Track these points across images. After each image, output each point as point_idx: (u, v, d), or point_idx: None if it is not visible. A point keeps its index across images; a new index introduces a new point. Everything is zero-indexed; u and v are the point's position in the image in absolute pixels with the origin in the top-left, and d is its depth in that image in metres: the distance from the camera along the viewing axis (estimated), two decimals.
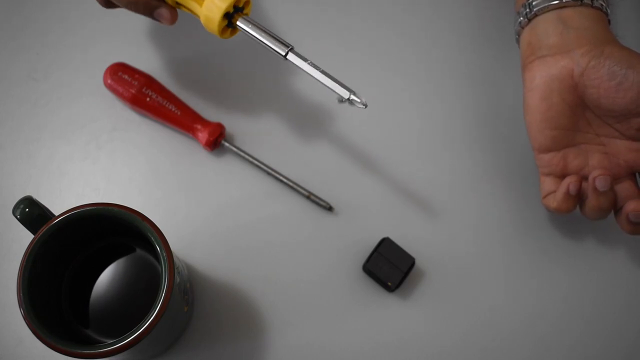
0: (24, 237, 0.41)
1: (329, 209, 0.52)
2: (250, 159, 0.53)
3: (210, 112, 0.55)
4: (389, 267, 0.49)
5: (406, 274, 0.49)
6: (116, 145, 0.55)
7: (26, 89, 0.56)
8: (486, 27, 0.58)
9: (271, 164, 0.53)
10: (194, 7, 0.46)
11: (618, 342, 0.50)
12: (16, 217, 0.42)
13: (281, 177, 0.53)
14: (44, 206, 0.42)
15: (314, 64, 0.44)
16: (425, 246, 0.52)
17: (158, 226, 0.41)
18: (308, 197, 0.52)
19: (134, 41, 0.57)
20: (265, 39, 0.45)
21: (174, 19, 0.47)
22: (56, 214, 0.41)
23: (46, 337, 0.38)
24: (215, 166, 0.54)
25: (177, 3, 0.47)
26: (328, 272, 0.51)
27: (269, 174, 0.53)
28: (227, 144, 0.54)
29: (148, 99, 0.53)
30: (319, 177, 0.53)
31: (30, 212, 0.41)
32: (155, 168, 0.54)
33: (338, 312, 0.50)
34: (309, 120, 0.55)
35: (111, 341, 0.38)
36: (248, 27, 0.45)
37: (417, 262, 0.51)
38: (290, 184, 0.53)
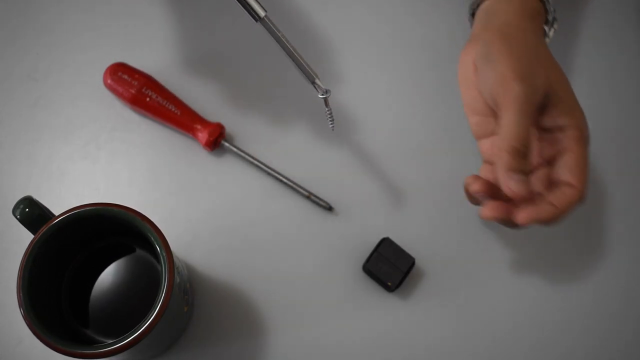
0: (24, 237, 0.41)
1: (329, 209, 0.52)
2: (250, 159, 0.53)
3: (210, 112, 0.55)
4: (389, 267, 0.49)
5: (406, 274, 0.49)
6: (116, 145, 0.55)
7: (26, 89, 0.56)
8: None
9: (271, 164, 0.53)
10: None
11: (617, 343, 0.50)
12: (16, 217, 0.42)
13: (281, 177, 0.53)
14: (44, 206, 0.42)
15: (286, 38, 0.44)
16: (425, 246, 0.52)
17: (158, 226, 0.41)
18: (308, 197, 0.52)
19: (134, 41, 0.57)
20: None
21: None
22: (56, 214, 0.41)
23: (46, 337, 0.38)
24: (215, 166, 0.54)
25: None
26: (328, 272, 0.51)
27: (268, 174, 0.53)
28: (227, 144, 0.53)
29: (148, 99, 0.53)
30: (319, 177, 0.53)
31: (30, 212, 0.41)
32: (155, 168, 0.54)
33: (338, 312, 0.50)
34: (309, 120, 0.55)
35: (111, 341, 0.38)
36: None
37: (417, 262, 0.51)
38: (290, 184, 0.52)
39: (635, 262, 0.52)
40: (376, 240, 0.51)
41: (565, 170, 0.43)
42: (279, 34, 0.43)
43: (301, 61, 0.44)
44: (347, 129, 0.55)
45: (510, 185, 0.41)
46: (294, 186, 0.53)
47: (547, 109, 0.43)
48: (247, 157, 0.53)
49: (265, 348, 0.49)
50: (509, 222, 0.43)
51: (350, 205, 0.53)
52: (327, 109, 0.47)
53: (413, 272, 0.51)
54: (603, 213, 0.53)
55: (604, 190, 0.54)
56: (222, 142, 0.54)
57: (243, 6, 0.42)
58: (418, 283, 0.51)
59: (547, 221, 0.42)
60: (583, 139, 0.43)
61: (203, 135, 0.53)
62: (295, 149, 0.54)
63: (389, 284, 0.49)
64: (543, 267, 0.52)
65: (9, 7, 0.58)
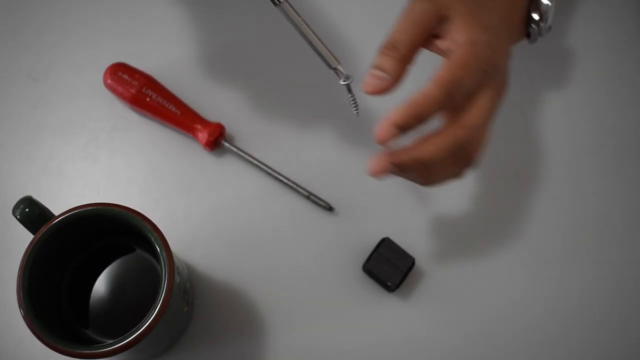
0: (24, 237, 0.41)
1: (329, 209, 0.52)
2: (250, 158, 0.53)
3: (210, 112, 0.55)
4: (389, 267, 0.49)
5: (406, 274, 0.49)
6: (116, 145, 0.55)
7: (26, 89, 0.56)
8: None
9: (271, 164, 0.53)
10: None
11: (621, 343, 0.50)
12: (16, 217, 0.42)
13: (281, 177, 0.53)
14: (44, 206, 0.42)
15: (306, 23, 0.43)
16: (425, 246, 0.52)
17: (158, 226, 0.41)
18: (308, 197, 0.52)
19: (134, 41, 0.57)
20: None
21: None
22: (56, 214, 0.41)
23: (46, 337, 0.38)
24: (215, 166, 0.54)
25: None
26: (328, 272, 0.51)
27: (268, 174, 0.53)
28: (227, 144, 0.53)
29: (148, 99, 0.53)
30: (319, 177, 0.53)
31: (30, 212, 0.41)
32: (155, 168, 0.54)
33: (338, 312, 0.50)
34: (309, 120, 0.55)
35: (111, 341, 0.38)
36: None
37: (417, 262, 0.51)
38: (290, 184, 0.53)
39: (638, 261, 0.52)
40: (376, 240, 0.51)
41: (435, 74, 0.40)
42: (300, 18, 0.43)
43: (323, 47, 0.43)
44: (348, 128, 0.55)
45: (366, 80, 0.40)
46: (294, 186, 0.52)
47: (447, 33, 0.42)
48: (247, 157, 0.53)
49: (265, 348, 0.49)
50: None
51: (350, 205, 0.53)
52: (350, 96, 0.45)
53: (413, 272, 0.51)
54: (605, 212, 0.53)
55: (610, 193, 0.54)
56: (222, 142, 0.53)
57: None
58: (418, 283, 0.51)
59: (402, 119, 0.39)
60: (469, 51, 0.40)
61: (203, 135, 0.53)
62: (296, 149, 0.54)
63: (389, 284, 0.49)
64: (543, 267, 0.52)
65: (8, 6, 0.58)
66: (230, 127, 0.55)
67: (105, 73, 0.54)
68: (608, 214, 0.53)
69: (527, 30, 0.46)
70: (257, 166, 0.53)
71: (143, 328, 0.38)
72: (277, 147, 0.54)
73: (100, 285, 0.46)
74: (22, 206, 0.42)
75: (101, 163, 0.54)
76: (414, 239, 0.52)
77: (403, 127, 0.39)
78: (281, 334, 0.50)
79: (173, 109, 0.53)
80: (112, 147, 0.54)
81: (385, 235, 0.51)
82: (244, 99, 0.56)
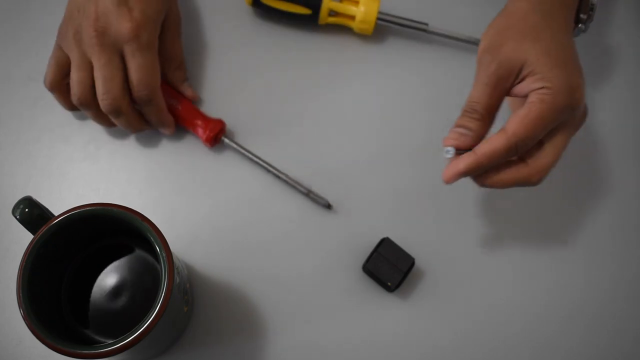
0: (24, 237, 0.41)
1: (328, 206, 0.52)
2: (250, 155, 0.53)
3: (210, 109, 0.55)
4: (389, 267, 0.49)
5: (406, 274, 0.49)
6: (116, 145, 0.55)
7: (26, 89, 0.56)
8: None
9: (271, 161, 0.53)
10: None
11: (620, 342, 0.50)
12: (16, 217, 0.42)
13: (280, 174, 0.53)
14: (43, 206, 0.42)
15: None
16: (425, 246, 0.52)
17: (158, 226, 0.41)
18: (307, 195, 0.52)
19: None
20: None
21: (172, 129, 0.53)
22: (56, 214, 0.41)
23: (46, 337, 0.38)
24: (215, 166, 0.54)
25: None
26: (328, 272, 0.51)
27: (268, 171, 0.53)
28: (227, 140, 0.53)
29: None
30: (319, 177, 0.53)
31: (30, 212, 0.41)
32: (154, 168, 0.54)
33: (338, 312, 0.50)
34: (310, 119, 0.55)
35: (111, 341, 0.38)
36: None
37: (417, 262, 0.51)
38: (290, 181, 0.52)
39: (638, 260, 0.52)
40: (376, 240, 0.51)
41: (508, 121, 0.42)
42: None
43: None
44: (348, 128, 0.55)
45: (448, 136, 0.44)
46: (293, 183, 0.52)
47: (524, 78, 0.43)
48: (246, 153, 0.53)
49: (265, 348, 0.49)
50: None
51: (350, 204, 0.53)
52: None
53: (413, 272, 0.51)
54: (607, 212, 0.53)
55: (618, 193, 0.54)
56: (223, 138, 0.53)
57: None
58: (418, 283, 0.51)
59: (466, 168, 0.43)
60: (547, 100, 0.41)
61: (203, 131, 0.53)
62: (296, 148, 0.54)
63: (389, 284, 0.49)
64: (543, 267, 0.52)
65: (8, 7, 0.58)
66: (230, 124, 0.55)
67: None
68: (613, 214, 0.53)
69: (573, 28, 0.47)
70: (256, 163, 0.53)
71: (143, 328, 0.38)
72: (278, 145, 0.54)
73: (100, 285, 0.46)
74: (22, 206, 0.42)
75: (101, 163, 0.54)
76: (414, 239, 0.52)
77: (467, 174, 0.44)
78: (281, 334, 0.50)
79: (174, 103, 0.53)
80: (112, 148, 0.54)
81: (385, 235, 0.51)
82: (244, 96, 0.56)
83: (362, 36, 0.58)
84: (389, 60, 0.58)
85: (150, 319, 0.38)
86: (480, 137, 0.44)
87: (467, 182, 0.53)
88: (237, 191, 0.53)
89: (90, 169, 0.54)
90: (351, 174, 0.54)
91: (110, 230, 0.45)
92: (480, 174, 0.44)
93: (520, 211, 0.53)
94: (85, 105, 0.50)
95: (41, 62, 0.57)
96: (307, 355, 0.49)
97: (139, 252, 0.47)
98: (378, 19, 0.56)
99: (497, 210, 0.53)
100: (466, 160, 0.43)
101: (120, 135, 0.55)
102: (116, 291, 0.46)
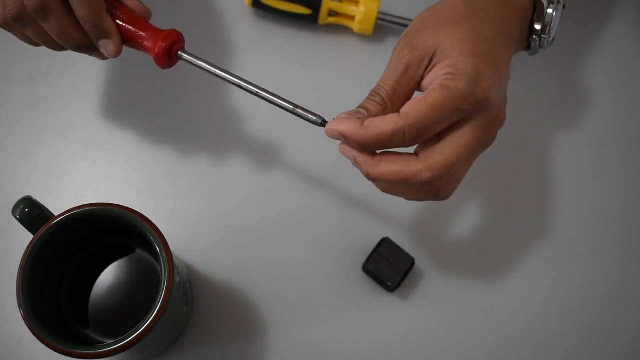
0: (24, 237, 0.41)
1: (321, 124, 0.41)
2: (217, 70, 0.43)
3: (211, 108, 0.55)
4: (389, 267, 0.49)
5: (406, 274, 0.49)
6: (116, 145, 0.55)
7: (26, 89, 0.56)
8: None
9: (271, 161, 0.53)
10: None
11: (620, 342, 0.50)
12: (16, 217, 0.42)
13: (261, 92, 0.42)
14: (43, 206, 0.42)
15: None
16: (425, 246, 0.52)
17: (157, 226, 0.41)
18: (293, 112, 0.42)
19: None
20: None
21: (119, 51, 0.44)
22: (56, 214, 0.41)
23: (46, 337, 0.38)
24: (215, 165, 0.54)
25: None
26: (328, 272, 0.51)
27: (242, 88, 0.43)
28: (185, 56, 0.43)
29: None
30: (319, 176, 0.53)
31: (30, 212, 0.41)
32: (154, 168, 0.54)
33: (338, 312, 0.50)
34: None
35: (111, 341, 0.38)
36: None
37: (417, 262, 0.51)
38: (271, 97, 0.42)
39: (638, 259, 0.52)
40: (376, 240, 0.51)
41: (404, 105, 0.38)
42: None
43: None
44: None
45: (345, 112, 0.39)
46: (276, 99, 0.42)
47: (434, 65, 0.39)
48: (211, 68, 0.43)
49: (265, 348, 0.49)
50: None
51: (351, 205, 0.53)
52: None
53: (413, 272, 0.51)
54: (608, 213, 0.53)
55: (613, 193, 0.54)
56: (180, 53, 0.43)
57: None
58: (418, 283, 0.51)
59: (345, 131, 0.38)
60: (449, 85, 0.37)
61: (154, 43, 0.42)
62: (296, 148, 0.54)
63: (389, 284, 0.49)
64: (543, 266, 0.52)
65: None
66: (231, 124, 0.55)
67: None
68: (613, 214, 0.53)
69: (528, 41, 0.44)
70: (231, 82, 0.43)
71: (143, 328, 0.38)
72: (276, 143, 0.54)
73: (100, 285, 0.46)
74: (22, 206, 0.42)
75: (101, 163, 0.54)
76: (414, 239, 0.52)
77: (345, 139, 0.38)
78: (281, 334, 0.50)
79: (115, 12, 0.43)
80: (112, 147, 0.54)
81: (385, 235, 0.51)
82: (245, 96, 0.56)
83: (362, 36, 0.58)
84: (389, 60, 0.57)
85: (150, 319, 0.38)
86: None
87: (468, 182, 0.53)
88: (237, 194, 0.53)
89: (90, 169, 0.54)
90: (351, 174, 0.54)
91: (110, 230, 0.45)
92: (362, 154, 0.39)
93: (520, 211, 0.53)
94: (21, 19, 0.43)
95: (41, 62, 0.57)
96: (307, 355, 0.49)
97: (139, 252, 0.47)
98: (378, 19, 0.56)
99: (497, 210, 0.53)
100: (349, 123, 0.38)
101: (120, 135, 0.55)
102: (116, 291, 0.46)
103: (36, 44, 0.46)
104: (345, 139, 0.38)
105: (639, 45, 0.58)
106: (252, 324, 0.50)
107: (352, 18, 0.56)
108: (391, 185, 0.40)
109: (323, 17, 0.56)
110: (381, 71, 0.58)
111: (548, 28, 0.44)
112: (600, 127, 0.56)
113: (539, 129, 0.55)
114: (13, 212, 0.42)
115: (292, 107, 0.42)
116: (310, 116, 0.41)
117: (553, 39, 0.45)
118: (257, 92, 0.42)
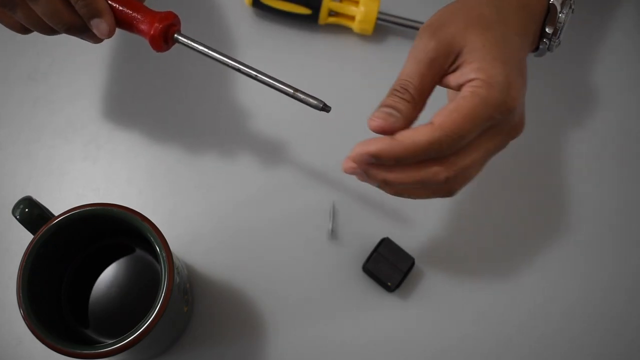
0: (24, 237, 0.41)
1: (323, 108, 0.41)
2: (214, 53, 0.42)
3: (210, 108, 0.55)
4: (389, 267, 0.49)
5: (406, 274, 0.49)
6: (116, 145, 0.55)
7: (26, 89, 0.56)
8: None
9: (270, 162, 0.53)
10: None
11: (618, 341, 0.50)
12: (16, 217, 0.42)
13: (261, 76, 0.41)
14: (43, 206, 0.42)
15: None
16: (425, 246, 0.52)
17: (157, 226, 0.41)
18: (293, 96, 0.41)
19: (134, 38, 0.57)
20: None
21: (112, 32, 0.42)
22: (56, 214, 0.41)
23: (46, 337, 0.38)
24: (215, 165, 0.54)
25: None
26: (328, 272, 0.51)
27: (240, 71, 0.42)
28: (181, 38, 0.42)
29: None
30: (319, 176, 0.53)
31: (30, 212, 0.41)
32: (155, 168, 0.54)
33: (338, 312, 0.50)
34: (309, 118, 0.55)
35: (111, 341, 0.38)
36: None
37: (417, 262, 0.51)
38: (271, 81, 0.41)
39: (637, 259, 0.52)
40: (376, 240, 0.51)
41: (436, 114, 0.36)
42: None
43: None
44: (348, 128, 0.55)
45: (374, 115, 0.37)
46: (276, 83, 0.41)
47: (459, 66, 0.38)
48: (208, 51, 0.42)
49: (265, 348, 0.49)
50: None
51: (350, 205, 0.53)
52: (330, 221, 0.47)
53: (413, 272, 0.51)
54: (608, 215, 0.53)
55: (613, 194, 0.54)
56: (176, 35, 0.42)
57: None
58: (418, 283, 0.51)
59: (377, 151, 0.36)
60: (481, 94, 0.36)
61: (149, 26, 0.41)
62: (295, 148, 0.54)
63: (389, 284, 0.49)
64: (543, 266, 0.52)
65: None
66: (232, 125, 0.54)
67: None
68: (611, 216, 0.53)
69: (538, 43, 0.44)
70: (229, 65, 0.42)
71: (143, 328, 0.38)
72: (276, 143, 0.54)
73: (100, 285, 0.46)
74: (22, 206, 0.42)
75: (101, 163, 0.54)
76: (414, 239, 0.52)
77: (376, 159, 0.37)
78: (281, 334, 0.50)
79: None
80: (112, 147, 0.54)
81: (385, 235, 0.51)
82: (245, 96, 0.56)
83: (362, 36, 0.58)
84: (389, 60, 0.57)
85: (150, 319, 0.38)
86: (409, 123, 0.37)
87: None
88: (237, 194, 0.53)
89: (90, 169, 0.54)
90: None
91: (110, 230, 0.45)
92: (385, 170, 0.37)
93: (520, 211, 0.53)
94: (9, 1, 0.41)
95: (41, 62, 0.57)
96: (307, 355, 0.49)
97: (139, 252, 0.47)
98: (378, 19, 0.56)
99: (497, 209, 0.53)
100: (381, 143, 0.36)
101: (121, 135, 0.55)
102: (116, 291, 0.46)
103: (26, 30, 0.44)
104: (377, 159, 0.37)
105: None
106: (252, 324, 0.50)
107: (352, 18, 0.56)
108: (405, 188, 0.39)
109: (323, 17, 0.56)
110: (381, 71, 0.59)
111: (559, 31, 0.43)
112: (604, 126, 0.56)
113: (539, 130, 0.55)
114: (13, 212, 0.42)
115: (292, 90, 0.40)
116: (311, 100, 0.40)
117: (560, 42, 0.45)
118: (256, 75, 0.41)
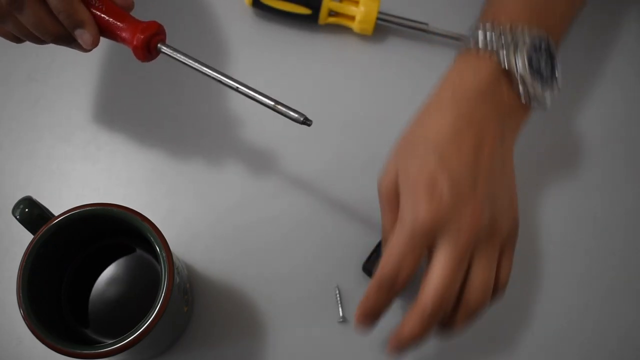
0: (24, 237, 0.41)
1: (304, 122, 0.40)
2: (197, 65, 0.42)
3: (210, 108, 0.55)
4: None
5: None
6: (116, 145, 0.55)
7: (26, 89, 0.56)
8: None
9: (270, 164, 0.53)
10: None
11: (618, 340, 0.50)
12: (16, 217, 0.42)
13: (240, 86, 0.41)
14: (43, 206, 0.42)
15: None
16: None
17: (157, 226, 0.41)
18: (274, 108, 0.40)
19: None
20: None
21: (95, 42, 0.42)
22: (56, 214, 0.41)
23: (46, 337, 0.38)
24: (216, 165, 0.54)
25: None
26: (328, 272, 0.51)
27: (222, 82, 0.42)
28: (164, 48, 0.42)
29: None
30: (319, 176, 0.53)
31: (30, 212, 0.41)
32: (154, 168, 0.54)
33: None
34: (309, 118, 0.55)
35: (111, 341, 0.38)
36: None
37: None
38: (251, 93, 0.41)
39: (637, 258, 0.52)
40: (376, 240, 0.51)
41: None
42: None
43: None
44: (348, 128, 0.55)
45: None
46: (256, 95, 0.41)
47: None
48: (191, 63, 0.42)
49: (265, 348, 0.49)
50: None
51: (350, 205, 0.53)
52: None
53: None
54: (608, 216, 0.53)
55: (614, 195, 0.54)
56: (159, 45, 0.42)
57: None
58: (418, 283, 0.51)
59: (411, 333, 0.39)
60: (400, 227, 0.40)
61: (132, 35, 0.41)
62: (295, 147, 0.54)
63: None
64: (543, 265, 0.52)
65: None
66: (232, 125, 0.55)
67: None
68: (612, 217, 0.53)
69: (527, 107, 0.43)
70: (212, 77, 0.42)
71: (143, 328, 0.38)
72: (277, 144, 0.54)
73: (100, 285, 0.46)
74: (21, 206, 0.42)
75: (101, 163, 0.54)
76: None
77: (420, 339, 0.39)
78: (281, 334, 0.50)
79: (95, 3, 0.42)
80: (112, 147, 0.54)
81: None
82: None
83: (362, 36, 0.58)
84: (389, 60, 0.58)
85: (150, 319, 0.38)
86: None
87: None
88: (237, 193, 0.53)
89: (90, 169, 0.54)
90: (351, 174, 0.54)
91: (110, 230, 0.45)
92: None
93: (520, 211, 0.53)
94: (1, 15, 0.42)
95: (41, 62, 0.57)
96: (307, 355, 0.49)
97: (139, 252, 0.47)
98: (378, 19, 0.56)
99: None
100: (411, 321, 0.39)
101: (120, 135, 0.55)
102: (116, 291, 0.46)
103: (18, 40, 0.45)
104: (420, 340, 0.39)
105: None
106: (252, 324, 0.50)
107: (352, 18, 0.56)
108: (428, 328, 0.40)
109: (323, 17, 0.56)
110: (381, 71, 0.58)
111: (535, 101, 0.43)
112: (604, 130, 0.56)
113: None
114: (13, 212, 0.42)
115: (272, 103, 0.40)
116: (292, 113, 0.40)
117: (559, 87, 0.43)
118: (237, 87, 0.41)
